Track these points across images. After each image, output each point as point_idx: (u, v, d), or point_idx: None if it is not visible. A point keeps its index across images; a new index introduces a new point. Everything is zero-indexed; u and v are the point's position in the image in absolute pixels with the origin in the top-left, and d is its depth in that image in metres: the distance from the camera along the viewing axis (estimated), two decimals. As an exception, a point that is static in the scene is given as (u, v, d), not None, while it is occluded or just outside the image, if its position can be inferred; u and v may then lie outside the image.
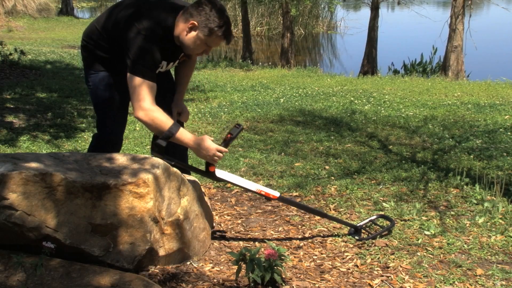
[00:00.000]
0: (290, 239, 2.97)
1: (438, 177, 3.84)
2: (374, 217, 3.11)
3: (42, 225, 2.23)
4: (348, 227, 3.03)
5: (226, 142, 2.65)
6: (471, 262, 2.65)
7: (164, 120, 2.57)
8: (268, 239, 2.96)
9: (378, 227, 3.05)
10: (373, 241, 2.88)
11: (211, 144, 2.58)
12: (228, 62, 11.40)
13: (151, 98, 2.56)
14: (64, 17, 20.43)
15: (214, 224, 3.11)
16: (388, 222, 3.06)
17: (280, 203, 3.47)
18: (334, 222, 3.15)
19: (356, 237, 2.96)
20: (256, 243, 2.92)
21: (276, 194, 2.83)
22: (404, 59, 11.78)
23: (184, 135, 2.60)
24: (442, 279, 2.50)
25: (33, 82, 7.63)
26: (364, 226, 3.02)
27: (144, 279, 2.19)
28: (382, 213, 3.24)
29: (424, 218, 3.17)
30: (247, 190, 2.82)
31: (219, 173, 2.75)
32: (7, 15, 18.45)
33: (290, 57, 12.31)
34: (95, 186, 2.30)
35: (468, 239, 2.90)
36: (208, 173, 2.72)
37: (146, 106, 2.54)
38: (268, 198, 2.93)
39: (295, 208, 3.38)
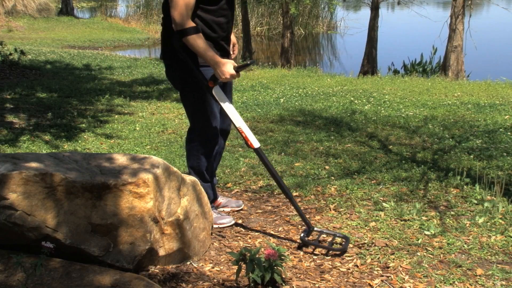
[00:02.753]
0: (290, 239, 2.97)
1: (438, 177, 3.84)
2: (338, 234, 2.90)
3: (42, 225, 2.23)
4: (305, 225, 2.91)
5: (238, 67, 2.81)
6: (471, 262, 2.65)
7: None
8: (268, 239, 2.96)
9: (331, 241, 2.86)
10: (373, 241, 2.88)
11: (231, 68, 2.76)
12: (228, 62, 11.39)
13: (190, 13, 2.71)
14: (64, 17, 20.43)
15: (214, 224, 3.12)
16: (342, 242, 2.86)
17: (280, 203, 3.48)
18: (334, 222, 3.15)
19: (302, 234, 2.85)
20: (256, 243, 2.92)
21: (256, 144, 2.84)
22: (404, 59, 11.78)
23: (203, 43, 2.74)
24: (442, 279, 2.50)
25: (33, 82, 7.63)
26: (320, 233, 2.91)
27: (144, 279, 2.19)
28: (352, 235, 2.98)
29: (424, 218, 3.17)
30: (231, 121, 2.88)
31: (216, 90, 2.84)
32: (7, 15, 18.44)
33: (290, 57, 12.31)
34: (95, 186, 2.30)
35: (468, 239, 2.90)
36: (207, 87, 2.84)
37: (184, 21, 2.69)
38: (246, 143, 2.88)
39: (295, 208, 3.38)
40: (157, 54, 14.63)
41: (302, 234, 2.86)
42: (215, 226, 3.05)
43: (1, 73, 8.19)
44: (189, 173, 3.06)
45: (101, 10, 23.58)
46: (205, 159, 3.04)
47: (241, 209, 3.37)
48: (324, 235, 2.94)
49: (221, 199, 3.33)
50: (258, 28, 18.69)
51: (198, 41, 2.73)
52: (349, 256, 2.75)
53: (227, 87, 3.04)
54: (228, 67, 2.75)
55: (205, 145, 3.01)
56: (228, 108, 2.86)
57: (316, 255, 2.78)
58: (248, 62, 3.00)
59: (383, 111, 6.18)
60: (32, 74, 8.44)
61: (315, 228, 2.93)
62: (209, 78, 2.82)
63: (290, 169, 4.11)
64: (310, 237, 2.90)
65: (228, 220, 3.10)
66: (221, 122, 3.09)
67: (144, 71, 9.58)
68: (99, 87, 7.61)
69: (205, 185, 3.06)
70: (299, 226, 3.13)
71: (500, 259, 2.70)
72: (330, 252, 2.78)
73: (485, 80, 8.90)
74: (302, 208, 3.38)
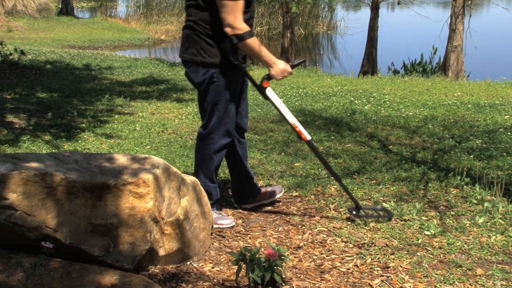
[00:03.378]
0: (290, 239, 2.97)
1: (438, 177, 3.84)
2: (379, 207, 3.26)
3: (42, 225, 2.23)
4: (352, 202, 3.21)
5: (293, 65, 3.00)
6: (471, 262, 2.65)
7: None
8: (268, 239, 2.96)
9: (375, 214, 3.19)
10: (373, 241, 2.89)
11: (287, 65, 2.95)
12: (228, 62, 11.40)
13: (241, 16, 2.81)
14: (64, 17, 20.44)
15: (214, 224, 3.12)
16: (385, 215, 3.19)
17: (280, 203, 3.48)
18: (334, 222, 3.15)
19: (353, 212, 3.15)
20: (256, 243, 2.92)
21: (308, 137, 3.05)
22: (404, 59, 11.78)
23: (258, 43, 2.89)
24: (442, 279, 2.50)
25: (33, 82, 7.63)
26: (365, 209, 3.20)
27: (144, 279, 2.19)
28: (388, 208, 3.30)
29: (424, 218, 3.17)
30: (284, 118, 3.04)
31: (269, 91, 3.02)
32: (7, 15, 18.45)
33: (290, 57, 12.31)
34: (95, 186, 2.30)
35: (468, 239, 2.90)
36: (260, 88, 3.00)
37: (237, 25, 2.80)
38: (299, 137, 3.07)
39: (295, 208, 3.39)
40: (157, 54, 14.65)
41: (354, 212, 3.17)
42: (215, 226, 3.05)
43: (1, 73, 8.20)
44: (197, 173, 3.08)
45: (101, 10, 23.58)
46: (216, 159, 3.07)
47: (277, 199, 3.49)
48: (371, 211, 3.23)
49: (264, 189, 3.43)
50: (258, 28, 18.69)
51: (254, 44, 2.86)
52: (349, 256, 2.75)
53: (244, 87, 3.15)
54: (284, 65, 2.93)
55: (219, 143, 3.04)
56: (282, 106, 3.03)
57: (315, 255, 2.78)
58: (303, 60, 3.23)
59: (383, 111, 6.18)
60: (32, 74, 8.45)
61: (362, 205, 3.24)
62: (263, 79, 2.97)
63: (290, 169, 4.11)
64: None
65: (228, 222, 3.11)
66: (240, 121, 3.17)
67: (144, 71, 9.59)
68: (99, 87, 7.61)
69: (211, 186, 3.09)
70: (299, 226, 3.13)
71: (500, 259, 2.70)
72: (380, 219, 3.14)
73: (485, 80, 8.90)
74: (302, 208, 3.39)
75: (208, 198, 2.91)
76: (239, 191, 3.36)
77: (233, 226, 3.11)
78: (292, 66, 2.97)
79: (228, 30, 2.80)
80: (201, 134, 3.07)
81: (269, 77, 2.96)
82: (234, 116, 3.06)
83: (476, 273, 2.55)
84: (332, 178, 3.28)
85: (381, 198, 3.48)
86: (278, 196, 3.46)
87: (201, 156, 3.07)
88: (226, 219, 3.11)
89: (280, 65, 2.92)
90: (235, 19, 2.78)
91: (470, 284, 2.46)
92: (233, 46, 2.87)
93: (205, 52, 2.90)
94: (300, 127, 3.03)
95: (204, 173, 3.07)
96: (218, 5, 2.79)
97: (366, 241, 2.89)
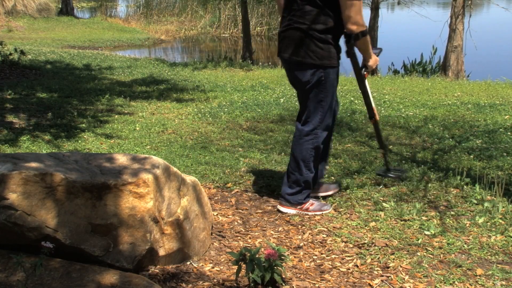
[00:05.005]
0: (290, 239, 2.97)
1: (438, 177, 3.84)
2: (403, 169, 3.87)
3: (42, 225, 2.23)
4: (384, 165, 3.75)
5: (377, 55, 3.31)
6: (471, 262, 2.65)
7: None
8: (268, 239, 2.96)
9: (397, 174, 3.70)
10: (373, 241, 2.89)
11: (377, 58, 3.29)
12: (228, 62, 11.39)
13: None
14: (64, 17, 20.42)
15: (214, 224, 3.12)
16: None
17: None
18: (334, 222, 3.15)
19: (382, 173, 3.73)
20: (256, 243, 2.92)
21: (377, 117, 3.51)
22: (404, 59, 11.77)
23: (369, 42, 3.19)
24: (442, 279, 2.50)
25: (33, 82, 7.63)
26: (392, 171, 3.73)
27: (144, 279, 2.19)
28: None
29: (424, 218, 3.17)
30: (366, 100, 3.44)
31: (366, 82, 3.37)
32: (7, 15, 18.45)
33: (290, 57, 12.30)
34: (95, 186, 2.30)
35: (468, 239, 2.90)
36: (363, 78, 3.35)
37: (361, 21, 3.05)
38: (370, 115, 3.48)
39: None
40: (157, 54, 14.62)
41: (381, 172, 3.75)
42: (318, 213, 3.29)
43: (1, 73, 8.19)
44: (297, 167, 3.26)
45: (101, 10, 23.57)
46: (317, 151, 3.28)
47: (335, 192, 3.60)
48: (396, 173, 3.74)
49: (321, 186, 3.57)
50: (258, 28, 18.69)
51: (368, 40, 3.15)
52: (349, 256, 2.75)
53: None
54: (376, 57, 3.27)
55: (321, 137, 3.26)
56: (370, 93, 3.45)
57: (315, 255, 2.78)
58: (380, 49, 3.47)
59: (383, 111, 6.18)
60: (32, 74, 8.44)
61: (390, 170, 3.74)
62: (362, 70, 3.31)
63: (290, 169, 4.11)
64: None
65: (328, 207, 3.35)
66: (335, 107, 3.40)
67: (144, 71, 9.58)
68: (99, 87, 7.61)
69: (310, 175, 3.28)
70: (299, 226, 3.13)
71: (500, 259, 2.70)
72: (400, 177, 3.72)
73: (485, 80, 8.89)
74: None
75: (303, 188, 3.26)
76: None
77: (330, 211, 3.35)
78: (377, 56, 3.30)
79: (354, 27, 3.04)
80: (303, 130, 3.25)
81: (365, 67, 3.29)
82: (333, 111, 3.32)
83: (476, 273, 2.55)
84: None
85: (381, 198, 3.48)
86: (332, 190, 3.58)
87: (303, 151, 3.25)
88: (326, 205, 3.37)
89: (374, 58, 3.25)
90: (361, 17, 3.04)
91: (470, 284, 2.46)
92: (354, 44, 3.17)
93: (315, 54, 3.09)
94: (375, 110, 3.49)
95: (306, 166, 3.25)
96: (345, 5, 2.98)
97: (366, 241, 2.89)
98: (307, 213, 3.28)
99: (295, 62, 3.15)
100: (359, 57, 3.28)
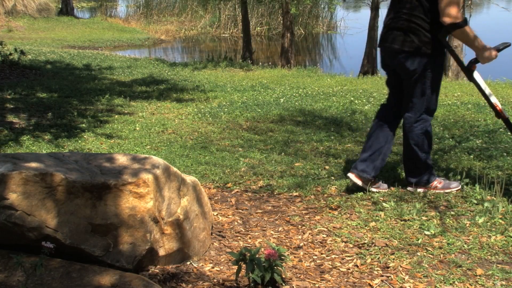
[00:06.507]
0: (290, 239, 2.97)
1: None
2: None
3: (42, 225, 2.23)
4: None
5: (498, 49, 3.25)
6: (471, 262, 2.65)
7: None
8: (268, 239, 2.96)
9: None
10: (373, 241, 2.89)
11: (491, 51, 3.22)
12: (228, 62, 11.40)
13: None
14: (64, 17, 20.42)
15: (214, 224, 3.12)
16: None
17: (281, 202, 3.48)
18: (334, 222, 3.15)
19: None
20: (256, 243, 2.92)
21: (507, 115, 3.39)
22: (404, 59, 11.76)
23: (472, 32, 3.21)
24: (442, 279, 2.50)
25: (33, 82, 7.63)
26: None
27: (144, 279, 2.19)
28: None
29: (424, 218, 3.17)
30: (485, 97, 3.36)
31: (476, 74, 3.33)
32: (7, 15, 18.45)
33: (290, 57, 12.30)
34: (95, 186, 2.30)
35: (468, 239, 2.90)
36: (468, 70, 3.33)
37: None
38: (497, 115, 3.39)
39: (295, 208, 3.39)
40: (157, 54, 14.61)
41: None
42: (447, 191, 3.49)
43: (1, 73, 8.19)
44: (413, 152, 3.46)
45: (101, 10, 23.57)
46: (430, 135, 3.49)
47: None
48: None
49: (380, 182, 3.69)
50: (258, 28, 18.69)
51: (469, 30, 3.20)
52: (349, 256, 2.75)
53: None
54: (489, 52, 3.21)
55: (429, 123, 3.47)
56: (486, 88, 3.37)
57: (315, 255, 2.78)
58: (508, 44, 3.37)
59: (383, 111, 6.17)
60: (32, 74, 8.44)
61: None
62: (470, 63, 3.30)
63: (290, 169, 4.11)
64: None
65: (456, 184, 3.54)
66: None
67: (144, 71, 9.58)
68: (99, 87, 7.61)
69: (427, 156, 3.49)
70: (299, 226, 3.13)
71: (500, 259, 2.70)
72: None
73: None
74: (301, 208, 3.39)
75: (424, 171, 3.47)
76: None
77: (459, 188, 3.51)
78: (498, 50, 3.25)
79: (448, 19, 3.16)
80: (411, 118, 3.46)
81: (476, 61, 3.27)
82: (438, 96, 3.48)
83: (476, 273, 2.55)
84: None
85: (381, 198, 3.48)
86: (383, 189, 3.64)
87: (416, 137, 3.45)
88: (454, 182, 3.54)
89: (486, 52, 3.21)
90: (455, 10, 3.14)
91: (470, 284, 2.46)
92: (446, 34, 3.31)
93: (424, 44, 3.29)
94: (500, 106, 3.37)
95: (421, 150, 3.46)
96: None
97: (366, 241, 2.89)
98: (436, 191, 3.49)
99: (402, 51, 3.34)
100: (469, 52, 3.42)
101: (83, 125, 5.40)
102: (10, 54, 8.90)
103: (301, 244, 2.90)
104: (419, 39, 3.31)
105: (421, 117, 3.44)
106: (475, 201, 3.37)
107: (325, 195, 3.59)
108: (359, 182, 3.50)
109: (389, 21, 3.47)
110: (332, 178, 3.90)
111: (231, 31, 18.81)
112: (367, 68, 11.64)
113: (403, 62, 3.37)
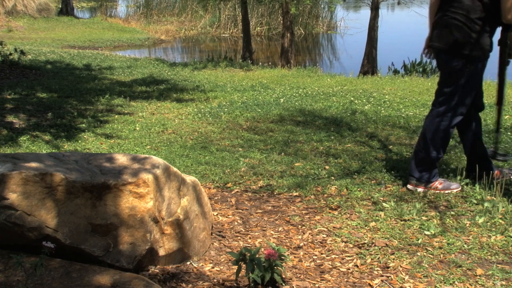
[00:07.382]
0: (290, 239, 2.97)
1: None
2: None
3: (42, 225, 2.23)
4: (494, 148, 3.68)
5: None
6: (471, 262, 2.65)
7: None
8: (268, 239, 2.96)
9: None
10: (373, 241, 2.89)
11: None
12: (228, 62, 11.40)
13: None
14: (64, 17, 20.43)
15: (214, 224, 3.12)
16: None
17: (281, 202, 3.48)
18: (334, 222, 3.15)
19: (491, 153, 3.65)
20: (256, 243, 2.92)
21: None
22: (404, 59, 11.77)
23: None
24: (442, 279, 2.50)
25: (33, 82, 7.63)
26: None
27: (144, 279, 2.19)
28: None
29: (424, 218, 3.17)
30: (500, 87, 3.43)
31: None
32: (7, 15, 18.45)
33: (290, 57, 12.31)
34: (95, 186, 2.30)
35: (468, 239, 2.90)
36: (503, 67, 3.43)
37: None
38: (498, 102, 3.49)
39: (295, 208, 3.39)
40: (157, 54, 14.62)
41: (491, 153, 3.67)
42: (447, 191, 3.47)
43: (1, 73, 8.20)
44: (426, 147, 3.46)
45: (101, 10, 23.57)
46: (448, 135, 3.48)
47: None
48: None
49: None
50: (258, 28, 18.69)
51: None
52: (349, 256, 2.75)
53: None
54: None
55: (453, 123, 3.45)
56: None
57: (315, 255, 2.78)
58: None
59: (383, 111, 6.18)
60: (32, 74, 8.44)
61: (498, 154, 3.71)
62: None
63: (290, 169, 4.11)
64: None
65: (456, 186, 3.52)
66: (479, 101, 3.55)
67: (144, 71, 9.58)
68: (99, 87, 7.61)
69: (435, 155, 3.49)
70: (299, 226, 3.13)
71: (500, 259, 2.70)
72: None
73: (485, 80, 8.88)
74: (301, 208, 3.39)
75: (430, 167, 3.46)
76: (470, 163, 3.71)
77: (459, 189, 3.51)
78: None
79: (510, 17, 3.20)
80: (438, 112, 3.46)
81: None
82: (471, 100, 3.45)
83: (476, 273, 2.55)
84: None
85: (381, 198, 3.48)
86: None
87: (434, 131, 3.46)
88: (454, 184, 3.53)
89: None
90: None
91: (470, 284, 2.46)
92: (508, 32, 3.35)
93: (466, 44, 3.29)
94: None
95: (433, 145, 3.46)
96: None
97: (366, 241, 2.89)
98: (436, 191, 3.48)
99: (444, 50, 3.39)
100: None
101: (83, 125, 5.40)
102: (10, 54, 8.91)
103: (301, 244, 2.90)
104: (464, 40, 3.34)
105: (447, 115, 3.45)
106: (475, 201, 3.37)
107: (325, 195, 3.59)
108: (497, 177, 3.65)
109: (439, 19, 3.53)
110: (332, 178, 3.90)
111: (231, 31, 18.81)
112: (367, 68, 11.65)
113: (443, 58, 3.44)
